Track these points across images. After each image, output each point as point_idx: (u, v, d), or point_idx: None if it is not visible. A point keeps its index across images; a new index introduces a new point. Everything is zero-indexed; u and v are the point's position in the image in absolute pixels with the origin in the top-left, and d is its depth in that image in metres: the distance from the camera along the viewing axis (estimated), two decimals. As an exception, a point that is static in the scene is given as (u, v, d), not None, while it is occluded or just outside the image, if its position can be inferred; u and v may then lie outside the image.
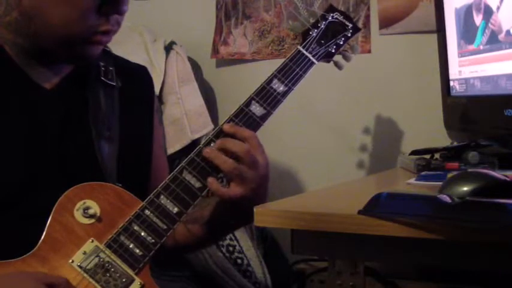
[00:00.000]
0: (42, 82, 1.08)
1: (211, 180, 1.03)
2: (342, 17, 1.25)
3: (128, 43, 1.85)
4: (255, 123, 1.09)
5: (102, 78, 1.13)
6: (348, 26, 1.24)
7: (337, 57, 1.26)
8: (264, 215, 1.01)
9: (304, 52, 1.18)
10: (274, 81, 1.12)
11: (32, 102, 1.07)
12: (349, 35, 1.24)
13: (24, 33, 1.04)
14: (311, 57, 1.18)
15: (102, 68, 1.14)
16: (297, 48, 1.18)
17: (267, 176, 1.06)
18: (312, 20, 1.22)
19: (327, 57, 1.22)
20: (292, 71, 1.14)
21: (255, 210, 1.02)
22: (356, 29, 1.25)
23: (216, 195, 1.04)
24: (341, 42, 1.23)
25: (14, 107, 1.05)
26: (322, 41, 1.20)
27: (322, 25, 1.22)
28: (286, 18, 1.93)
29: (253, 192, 1.03)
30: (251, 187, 1.03)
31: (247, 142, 1.04)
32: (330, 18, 1.23)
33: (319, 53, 1.19)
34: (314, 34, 1.20)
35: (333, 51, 1.22)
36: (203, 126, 1.86)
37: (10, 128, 1.04)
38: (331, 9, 1.25)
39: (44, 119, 1.07)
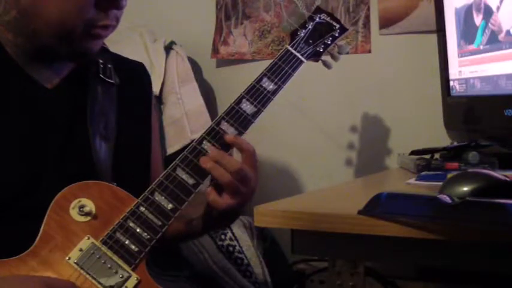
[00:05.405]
0: (43, 81, 1.08)
1: (209, 190, 1.06)
2: (328, 18, 1.27)
3: (128, 43, 1.85)
4: (246, 121, 1.10)
5: (101, 75, 1.14)
6: (335, 26, 1.26)
7: (326, 57, 1.27)
8: (264, 215, 1.01)
9: (293, 51, 1.19)
10: (264, 80, 1.14)
11: (33, 102, 1.07)
12: (337, 35, 1.26)
13: (24, 32, 1.04)
14: (299, 56, 1.19)
15: (101, 66, 1.14)
16: (286, 48, 1.20)
17: (255, 189, 1.10)
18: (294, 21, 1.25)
19: (315, 56, 1.23)
20: (281, 70, 1.16)
21: (254, 210, 1.02)
22: (343, 30, 1.27)
23: (211, 205, 1.07)
24: (329, 42, 1.25)
25: (15, 106, 1.05)
26: (310, 41, 1.22)
27: (310, 26, 1.24)
28: (286, 18, 1.92)
29: (242, 204, 1.08)
30: (242, 200, 1.07)
31: (244, 154, 1.07)
32: (317, 19, 1.25)
33: (307, 52, 1.21)
34: (302, 34, 1.22)
35: (321, 50, 1.23)
36: (203, 126, 1.84)
37: (11, 127, 1.04)
38: (318, 10, 1.28)
39: (45, 118, 1.07)
